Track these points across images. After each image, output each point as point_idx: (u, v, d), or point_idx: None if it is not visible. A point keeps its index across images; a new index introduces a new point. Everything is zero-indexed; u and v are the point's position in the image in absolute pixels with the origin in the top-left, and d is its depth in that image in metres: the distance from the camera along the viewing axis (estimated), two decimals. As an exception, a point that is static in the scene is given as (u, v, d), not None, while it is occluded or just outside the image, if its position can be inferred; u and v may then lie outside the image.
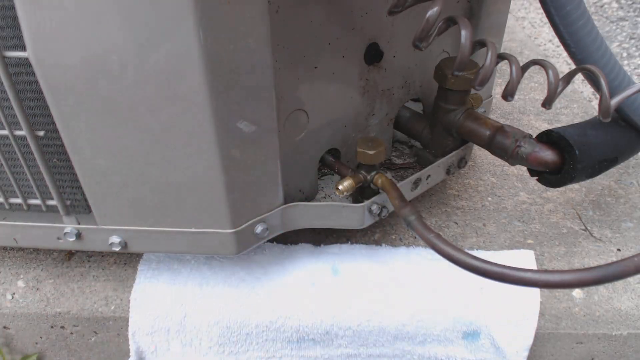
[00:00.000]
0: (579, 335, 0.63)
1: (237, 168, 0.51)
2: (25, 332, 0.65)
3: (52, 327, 0.65)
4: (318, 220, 0.61)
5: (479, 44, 0.55)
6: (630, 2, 2.02)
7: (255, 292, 0.63)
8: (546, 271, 0.43)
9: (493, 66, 0.53)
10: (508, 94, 0.54)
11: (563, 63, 1.60)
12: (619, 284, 0.65)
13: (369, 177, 0.60)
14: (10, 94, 0.47)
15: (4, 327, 0.65)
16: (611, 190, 0.81)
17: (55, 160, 0.53)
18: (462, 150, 0.68)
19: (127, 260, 0.68)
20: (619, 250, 0.70)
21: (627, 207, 0.78)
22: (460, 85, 0.61)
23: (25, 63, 0.46)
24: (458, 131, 0.64)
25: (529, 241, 0.71)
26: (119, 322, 0.64)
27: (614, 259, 0.65)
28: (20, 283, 0.66)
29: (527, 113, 1.02)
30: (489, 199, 0.79)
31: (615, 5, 2.02)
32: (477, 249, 0.69)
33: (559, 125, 0.96)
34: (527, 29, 1.90)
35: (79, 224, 0.57)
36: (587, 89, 1.42)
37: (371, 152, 0.57)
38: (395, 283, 0.63)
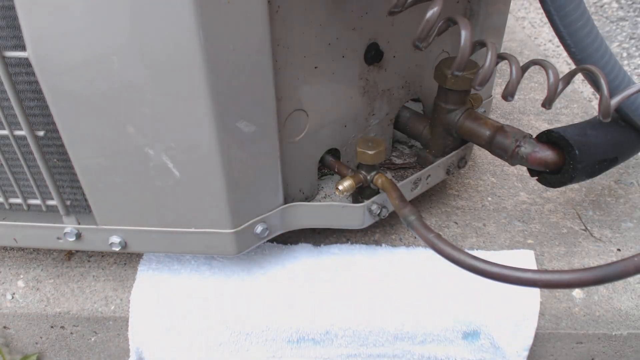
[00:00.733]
0: (579, 335, 0.63)
1: (237, 168, 0.51)
2: (25, 332, 0.65)
3: (52, 327, 0.65)
4: (318, 220, 0.61)
5: (479, 44, 0.55)
6: (630, 2, 2.02)
7: (255, 292, 0.63)
8: (546, 271, 0.43)
9: (493, 66, 0.53)
10: (508, 94, 0.54)
11: (563, 63, 1.60)
12: (619, 284, 0.65)
13: (369, 177, 0.60)
14: (10, 94, 0.47)
15: (4, 327, 0.65)
16: (611, 190, 0.81)
17: (55, 160, 0.53)
18: (462, 150, 0.68)
19: (127, 260, 0.68)
20: (619, 250, 0.70)
21: (627, 207, 0.78)
22: (460, 85, 0.61)
23: (25, 63, 0.46)
24: (458, 131, 0.64)
25: (529, 241, 0.71)
26: (119, 322, 0.64)
27: (614, 259, 0.65)
28: (20, 283, 0.66)
29: (527, 113, 1.02)
30: (489, 199, 0.79)
31: (615, 5, 2.02)
32: (477, 249, 0.69)
33: (559, 125, 0.96)
34: (527, 29, 1.90)
35: (79, 224, 0.57)
36: (587, 89, 1.42)
37: (371, 152, 0.57)
38: (395, 283, 0.63)
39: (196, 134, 0.47)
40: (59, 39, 0.42)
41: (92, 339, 0.66)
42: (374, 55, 0.60)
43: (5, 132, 0.50)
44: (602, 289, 0.65)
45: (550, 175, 0.60)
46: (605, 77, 0.53)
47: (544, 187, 0.75)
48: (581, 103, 1.06)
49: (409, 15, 0.58)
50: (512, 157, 0.58)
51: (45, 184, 0.54)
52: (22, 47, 0.44)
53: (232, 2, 0.42)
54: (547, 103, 0.54)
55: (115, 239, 0.56)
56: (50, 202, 0.57)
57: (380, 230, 0.72)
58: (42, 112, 0.49)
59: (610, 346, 0.64)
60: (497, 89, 1.08)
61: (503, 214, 0.76)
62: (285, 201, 0.59)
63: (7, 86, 0.46)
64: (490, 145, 0.60)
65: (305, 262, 0.66)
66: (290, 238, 0.69)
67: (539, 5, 0.57)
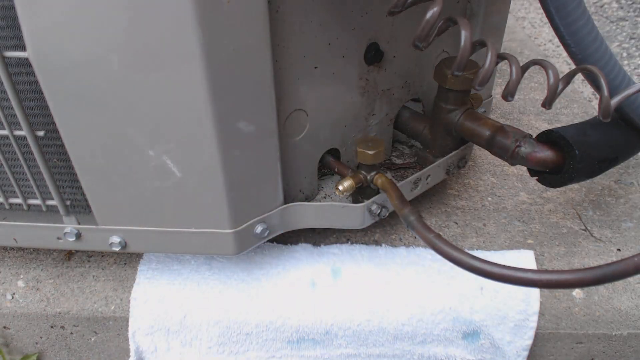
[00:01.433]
0: (579, 335, 0.63)
1: (237, 168, 0.51)
2: (25, 332, 0.65)
3: (52, 327, 0.65)
4: (318, 220, 0.61)
5: (479, 44, 0.55)
6: (630, 2, 2.02)
7: (255, 292, 0.63)
8: (546, 271, 0.43)
9: (493, 66, 0.53)
10: (508, 94, 0.54)
11: (563, 63, 1.60)
12: (619, 284, 0.65)
13: (369, 177, 0.60)
14: (10, 94, 0.47)
15: (4, 327, 0.65)
16: (611, 190, 0.81)
17: (55, 160, 0.53)
18: (462, 150, 0.68)
19: (127, 260, 0.68)
20: (619, 250, 0.70)
21: (627, 207, 0.78)
22: (460, 85, 0.61)
23: (25, 63, 0.46)
24: (458, 131, 0.64)
25: (529, 241, 0.71)
26: (119, 322, 0.64)
27: (614, 259, 0.65)
28: (20, 283, 0.66)
29: (527, 113, 1.02)
30: (489, 199, 0.79)
31: (615, 5, 2.02)
32: (477, 249, 0.69)
33: (559, 125, 0.96)
34: (527, 29, 1.90)
35: (79, 224, 0.57)
36: (587, 89, 1.42)
37: (371, 152, 0.57)
38: (395, 283, 0.63)
39: (196, 134, 0.47)
40: (59, 39, 0.42)
41: (92, 339, 0.66)
42: (374, 55, 0.60)
43: (5, 132, 0.50)
44: (602, 289, 0.65)
45: (550, 175, 0.60)
46: (605, 77, 0.53)
47: (544, 187, 0.75)
48: (581, 103, 1.06)
49: (409, 15, 0.58)
50: (512, 157, 0.58)
51: (45, 184, 0.54)
52: (22, 47, 0.44)
53: (232, 3, 0.42)
54: (547, 103, 0.54)
55: (115, 239, 0.56)
56: (50, 202, 0.57)
57: (380, 230, 0.72)
58: (42, 112, 0.49)
59: (610, 346, 0.64)
60: (497, 89, 1.08)
61: (503, 214, 0.76)
62: (285, 201, 0.59)
63: (7, 86, 0.46)
64: (490, 145, 0.60)
65: (305, 262, 0.66)
66: (290, 238, 0.69)
67: (539, 5, 0.57)
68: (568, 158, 0.57)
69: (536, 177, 0.63)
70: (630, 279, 0.66)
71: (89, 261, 0.68)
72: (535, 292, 0.62)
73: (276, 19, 0.48)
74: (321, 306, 0.62)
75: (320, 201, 0.64)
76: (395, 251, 0.68)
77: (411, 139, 0.76)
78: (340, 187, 0.58)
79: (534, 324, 0.62)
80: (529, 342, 0.62)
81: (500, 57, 0.56)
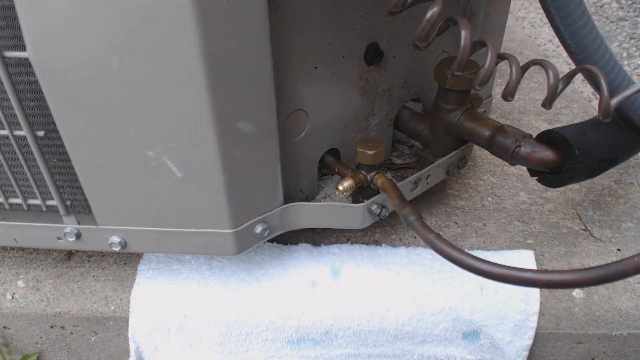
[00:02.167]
0: (579, 335, 0.63)
1: (237, 168, 0.51)
2: (25, 332, 0.65)
3: (52, 327, 0.65)
4: (318, 220, 0.61)
5: (479, 44, 0.55)
6: (630, 2, 2.02)
7: (255, 292, 0.63)
8: (546, 271, 0.43)
9: (493, 66, 0.53)
10: (508, 94, 0.54)
11: (563, 63, 1.60)
12: (619, 284, 0.65)
13: (369, 177, 0.60)
14: (10, 94, 0.47)
15: (4, 327, 0.65)
16: (611, 190, 0.81)
17: (55, 160, 0.53)
18: (462, 150, 0.68)
19: (127, 260, 0.68)
20: (619, 250, 0.70)
21: (627, 207, 0.78)
22: (460, 85, 0.61)
23: (25, 63, 0.46)
24: (458, 131, 0.64)
25: (529, 241, 0.71)
26: (119, 322, 0.64)
27: (614, 259, 0.65)
28: (20, 283, 0.66)
29: (527, 113, 1.02)
30: (489, 199, 0.79)
31: (615, 5, 2.02)
32: (477, 249, 0.69)
33: (559, 125, 0.96)
34: (527, 29, 1.90)
35: (79, 224, 0.57)
36: (587, 89, 1.42)
37: (371, 152, 0.57)
38: (395, 283, 0.63)
39: (196, 134, 0.47)
40: (59, 39, 0.42)
41: (92, 339, 0.66)
42: (374, 55, 0.60)
43: (5, 132, 0.50)
44: (602, 289, 0.65)
45: (550, 175, 0.60)
46: (605, 77, 0.53)
47: (544, 187, 0.75)
48: (581, 103, 1.06)
49: (409, 15, 0.58)
50: (512, 157, 0.58)
51: (45, 184, 0.54)
52: (22, 47, 0.44)
53: (232, 2, 0.42)
54: (547, 103, 0.54)
55: (115, 239, 0.56)
56: (50, 202, 0.57)
57: (380, 230, 0.72)
58: (42, 112, 0.49)
59: (610, 346, 0.64)
60: (497, 89, 1.08)
61: (503, 214, 0.76)
62: (285, 201, 0.59)
63: (7, 86, 0.46)
64: (490, 145, 0.60)
65: (305, 262, 0.66)
66: (290, 238, 0.69)
67: (539, 5, 0.57)
68: (568, 158, 0.57)
69: (536, 177, 0.63)
70: (630, 279, 0.66)
71: (89, 261, 0.68)
72: (535, 292, 0.62)
73: (276, 19, 0.48)
74: (321, 306, 0.62)
75: (320, 201, 0.64)
76: (395, 251, 0.68)
77: (411, 139, 0.76)
78: (340, 187, 0.58)
79: (534, 324, 0.62)
80: (529, 342, 0.62)
81: (500, 57, 0.56)
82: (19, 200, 0.57)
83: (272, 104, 0.51)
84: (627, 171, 0.85)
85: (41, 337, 0.66)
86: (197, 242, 0.56)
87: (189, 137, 0.48)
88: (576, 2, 0.56)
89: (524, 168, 0.83)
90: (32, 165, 0.53)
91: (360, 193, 0.62)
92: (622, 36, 1.78)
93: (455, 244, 0.54)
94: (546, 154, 0.57)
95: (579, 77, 1.28)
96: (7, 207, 0.59)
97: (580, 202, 0.79)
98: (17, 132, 0.50)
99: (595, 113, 0.70)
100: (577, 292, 0.65)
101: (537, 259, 0.67)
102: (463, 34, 0.50)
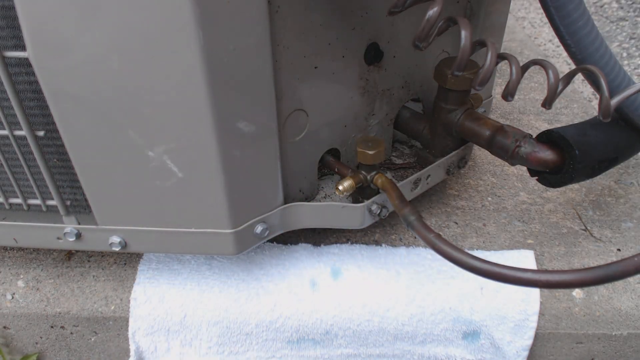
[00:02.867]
0: (579, 335, 0.63)
1: (237, 168, 0.51)
2: (25, 332, 0.65)
3: (52, 327, 0.65)
4: (318, 220, 0.61)
5: (479, 44, 0.55)
6: (630, 2, 2.02)
7: (255, 292, 0.63)
8: (546, 271, 0.43)
9: (493, 66, 0.53)
10: (508, 94, 0.54)
11: (563, 63, 1.60)
12: (619, 284, 0.65)
13: (369, 177, 0.60)
14: (10, 94, 0.47)
15: (4, 327, 0.65)
16: (611, 190, 0.81)
17: (55, 160, 0.53)
18: (462, 150, 0.68)
19: (127, 260, 0.68)
20: (619, 250, 0.70)
21: (627, 207, 0.78)
22: (460, 85, 0.61)
23: (25, 63, 0.46)
24: (458, 131, 0.64)
25: (529, 241, 0.71)
26: (119, 322, 0.64)
27: (614, 259, 0.65)
28: (20, 283, 0.66)
29: (527, 113, 1.02)
30: (489, 199, 0.79)
31: (615, 5, 2.02)
32: (477, 249, 0.69)
33: (559, 125, 0.96)
34: (527, 29, 1.90)
35: (79, 224, 0.57)
36: (587, 89, 1.42)
37: (371, 152, 0.57)
38: (395, 283, 0.63)
39: (196, 134, 0.47)
40: (59, 39, 0.42)
41: (92, 339, 0.66)
42: (374, 55, 0.60)
43: (5, 132, 0.50)
44: (602, 289, 0.65)
45: (550, 175, 0.60)
46: (605, 77, 0.53)
47: (544, 187, 0.75)
48: (581, 103, 1.06)
49: (409, 15, 0.58)
50: (512, 157, 0.58)
51: (45, 184, 0.54)
52: (22, 47, 0.44)
53: (232, 2, 0.42)
54: (547, 103, 0.54)
55: (115, 239, 0.56)
56: (50, 202, 0.57)
57: (380, 230, 0.72)
58: (42, 112, 0.49)
59: (610, 346, 0.64)
60: (497, 89, 1.08)
61: (503, 214, 0.76)
62: (285, 201, 0.59)
63: (7, 86, 0.46)
64: (490, 145, 0.60)
65: (305, 262, 0.66)
66: (290, 238, 0.69)
67: (539, 5, 0.57)
68: (568, 158, 0.57)
69: (536, 177, 0.63)
70: (630, 279, 0.66)
71: (89, 261, 0.68)
72: (535, 292, 0.62)
73: (276, 19, 0.48)
74: (321, 306, 0.62)
75: (320, 201, 0.64)
76: (395, 251, 0.68)
77: (411, 139, 0.76)
78: (340, 187, 0.58)
79: (534, 324, 0.62)
80: (529, 342, 0.62)
81: (500, 57, 0.56)
82: (19, 200, 0.57)
83: (272, 104, 0.51)
84: (627, 171, 0.85)
85: (41, 337, 0.66)
86: (197, 242, 0.56)
87: (189, 137, 0.48)
88: (576, 2, 0.56)
89: (524, 168, 0.83)
90: (32, 165, 0.53)
91: (360, 193, 0.62)
92: (622, 36, 1.79)
93: (455, 244, 0.54)
94: (546, 154, 0.57)
95: (579, 77, 1.28)
96: (7, 207, 0.59)
97: (580, 202, 0.79)
98: (17, 132, 0.50)
99: (595, 113, 0.70)
100: (577, 292, 0.65)
101: (537, 259, 0.68)
102: (463, 34, 0.50)
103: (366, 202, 0.60)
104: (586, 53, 0.59)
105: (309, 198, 0.64)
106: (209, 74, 0.44)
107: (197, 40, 0.42)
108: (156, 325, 0.62)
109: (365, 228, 0.70)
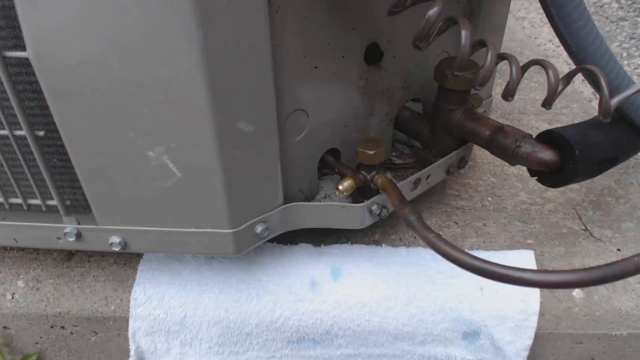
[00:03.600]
0: (579, 335, 0.63)
1: (237, 168, 0.51)
2: (25, 332, 0.65)
3: (52, 327, 0.65)
4: (318, 220, 0.61)
5: (479, 44, 0.55)
6: (630, 2, 2.02)
7: (255, 292, 0.63)
8: (546, 271, 0.43)
9: (493, 66, 0.53)
10: (508, 94, 0.54)
11: (563, 63, 1.60)
12: (619, 284, 0.65)
13: (369, 177, 0.60)
14: (10, 94, 0.47)
15: (4, 327, 0.65)
16: (611, 190, 0.81)
17: (55, 160, 0.53)
18: (462, 150, 0.68)
19: (127, 260, 0.68)
20: (619, 250, 0.70)
21: (627, 207, 0.78)
22: (460, 85, 0.61)
23: (25, 63, 0.46)
24: (458, 131, 0.64)
25: (529, 241, 0.71)
26: (119, 322, 0.64)
27: (614, 259, 0.65)
28: (20, 283, 0.66)
29: (527, 113, 1.02)
30: (489, 199, 0.79)
31: (615, 5, 2.02)
32: (477, 249, 0.69)
33: (559, 125, 0.96)
34: (527, 29, 1.90)
35: (79, 224, 0.57)
36: (587, 89, 1.42)
37: (371, 152, 0.57)
38: (395, 283, 0.63)
39: (196, 134, 0.47)
40: (59, 39, 0.42)
41: (92, 339, 0.66)
42: (374, 55, 0.60)
43: (5, 132, 0.50)
44: (602, 289, 0.65)
45: (551, 175, 0.60)
46: (605, 77, 0.53)
47: (544, 187, 0.75)
48: (581, 103, 1.06)
49: (409, 15, 0.58)
50: (512, 157, 0.58)
51: (45, 184, 0.54)
52: (22, 47, 0.44)
53: (232, 2, 0.42)
54: (547, 103, 0.54)
55: (115, 239, 0.56)
56: (50, 202, 0.57)
57: (380, 230, 0.72)
58: (42, 112, 0.49)
59: (610, 346, 0.64)
60: (497, 89, 1.08)
61: (503, 214, 0.76)
62: (285, 201, 0.59)
63: (7, 86, 0.46)
64: (490, 145, 0.60)
65: (305, 262, 0.66)
66: (290, 238, 0.69)
67: (539, 5, 0.57)
68: (568, 158, 0.57)
69: (536, 177, 0.63)
70: (630, 279, 0.66)
71: (89, 261, 0.68)
72: (535, 292, 0.62)
73: (276, 19, 0.48)
74: (321, 306, 0.62)
75: (320, 201, 0.64)
76: (395, 251, 0.68)
77: (411, 139, 0.76)
78: (340, 187, 0.58)
79: (534, 324, 0.62)
80: (529, 342, 0.62)
81: (500, 57, 0.56)
82: (19, 200, 0.57)
83: (272, 104, 0.51)
84: (627, 171, 0.85)
85: (41, 337, 0.66)
86: (197, 242, 0.56)
87: (189, 137, 0.48)
88: (576, 2, 0.56)
89: (524, 168, 0.83)
90: (32, 165, 0.53)
91: (360, 193, 0.62)
92: (622, 36, 1.79)
93: (455, 244, 0.54)
94: (546, 154, 0.57)
95: (579, 77, 1.28)
96: (7, 207, 0.59)
97: (580, 202, 0.79)
98: (17, 132, 0.50)
99: (595, 113, 0.70)
100: (577, 292, 0.65)
101: (537, 259, 0.67)
102: (463, 34, 0.50)
103: (366, 202, 0.60)
104: (586, 53, 0.59)
105: (309, 198, 0.64)
106: (208, 73, 0.44)
107: (197, 40, 0.42)
108: (156, 326, 0.62)
109: (365, 228, 0.70)
